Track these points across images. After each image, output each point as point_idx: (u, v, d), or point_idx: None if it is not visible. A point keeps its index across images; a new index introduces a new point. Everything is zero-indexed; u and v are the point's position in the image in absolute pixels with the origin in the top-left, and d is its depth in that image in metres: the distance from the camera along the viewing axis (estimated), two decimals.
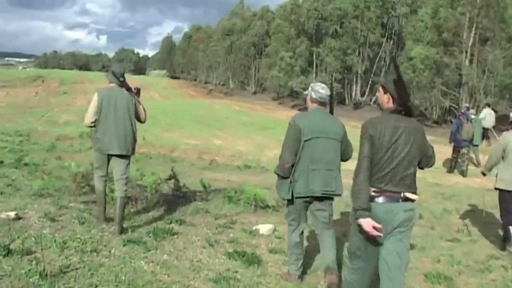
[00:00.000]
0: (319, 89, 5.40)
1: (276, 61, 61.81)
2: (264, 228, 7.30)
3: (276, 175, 5.45)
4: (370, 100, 55.15)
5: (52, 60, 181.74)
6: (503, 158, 7.68)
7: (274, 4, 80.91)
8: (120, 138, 6.74)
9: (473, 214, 10.04)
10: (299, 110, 57.96)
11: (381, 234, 3.86)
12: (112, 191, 7.63)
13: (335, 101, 59.81)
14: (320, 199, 5.23)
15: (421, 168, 4.18)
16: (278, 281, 5.50)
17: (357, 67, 54.25)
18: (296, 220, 5.38)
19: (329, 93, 5.42)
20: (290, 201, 5.36)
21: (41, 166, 11.64)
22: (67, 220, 6.85)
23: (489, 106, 22.41)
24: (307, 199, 5.23)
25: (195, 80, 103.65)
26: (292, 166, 5.21)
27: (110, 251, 5.74)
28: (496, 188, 7.80)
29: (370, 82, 54.64)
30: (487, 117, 20.53)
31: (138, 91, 7.22)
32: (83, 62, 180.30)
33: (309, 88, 5.50)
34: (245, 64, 79.48)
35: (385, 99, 4.11)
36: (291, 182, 5.22)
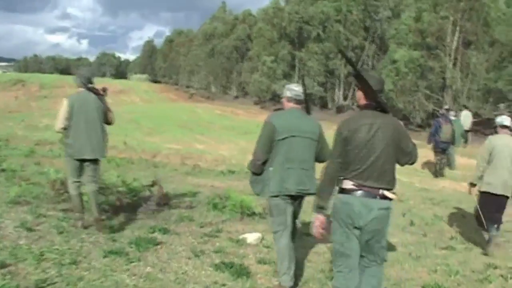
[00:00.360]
0: (293, 87, 5.45)
1: (258, 65, 61.65)
2: (252, 237, 7.02)
3: (250, 172, 5.47)
4: (353, 104, 55.06)
5: (32, 64, 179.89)
6: (488, 162, 7.67)
7: (256, 8, 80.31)
8: (92, 143, 6.84)
9: (465, 220, 9.87)
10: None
11: (321, 236, 4.24)
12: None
13: (316, 104, 59.93)
14: (293, 197, 5.25)
15: (401, 165, 4.23)
16: None
17: (340, 70, 54.07)
18: (282, 223, 5.25)
19: (302, 90, 5.47)
20: (272, 207, 5.29)
21: (19, 172, 11.24)
22: (45, 230, 6.55)
23: (466, 108, 22.47)
24: (284, 199, 5.20)
25: (176, 84, 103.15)
26: (264, 164, 5.26)
27: (90, 263, 5.45)
28: (481, 192, 7.78)
29: (352, 85, 54.62)
30: (464, 118, 20.56)
31: (104, 91, 7.36)
32: (63, 66, 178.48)
33: (284, 88, 5.59)
34: (227, 68, 79.25)
35: (360, 96, 4.22)
36: (265, 180, 5.26)
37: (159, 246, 6.33)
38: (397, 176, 4.20)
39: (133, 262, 5.62)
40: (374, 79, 4.16)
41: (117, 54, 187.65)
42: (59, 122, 6.86)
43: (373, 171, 4.01)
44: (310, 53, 55.21)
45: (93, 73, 7.60)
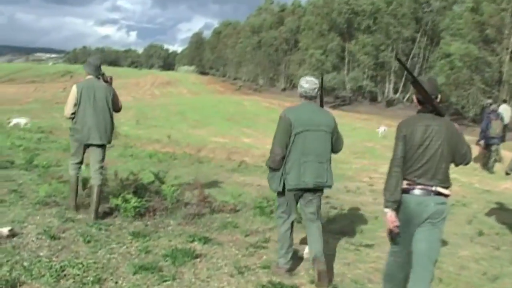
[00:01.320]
0: (303, 84, 5.40)
1: (306, 57, 60.63)
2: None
3: (268, 168, 5.47)
4: (403, 98, 53.49)
5: (81, 56, 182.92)
6: None
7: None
8: (100, 129, 6.98)
9: None
10: (331, 107, 56.84)
11: (397, 230, 4.26)
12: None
13: (366, 97, 58.49)
14: (311, 190, 5.32)
15: (456, 165, 4.43)
16: None
17: (391, 63, 52.58)
18: (286, 212, 5.46)
19: (313, 87, 5.37)
20: (281, 193, 5.40)
21: (53, 168, 10.60)
22: (70, 238, 5.80)
23: (505, 102, 21.70)
24: (299, 192, 5.30)
25: (224, 76, 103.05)
26: (283, 158, 5.28)
27: (117, 282, 4.67)
28: None
29: (403, 79, 53.07)
30: (504, 113, 19.62)
31: (111, 80, 7.41)
32: (112, 58, 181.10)
33: (299, 83, 5.51)
34: (275, 60, 78.53)
35: (417, 100, 4.43)
36: (282, 174, 5.29)
37: (198, 260, 5.51)
38: (456, 175, 3.90)
39: (166, 280, 4.83)
40: (430, 85, 4.38)
41: (165, 46, 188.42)
42: (68, 109, 7.01)
43: (428, 170, 4.21)
44: (360, 45, 53.86)
45: (101, 60, 7.55)
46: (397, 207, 4.25)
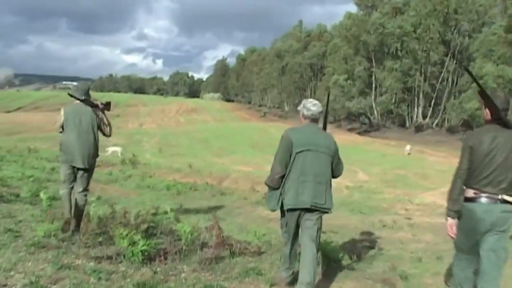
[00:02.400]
0: (310, 106, 5.42)
1: (330, 84, 59.85)
2: None
3: (267, 187, 5.44)
4: (433, 123, 52.18)
5: (108, 83, 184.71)
6: None
7: (330, 25, 78.39)
8: (83, 153, 7.02)
9: None
10: (357, 134, 55.65)
11: (454, 237, 4.50)
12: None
13: (395, 122, 57.23)
14: (309, 211, 5.21)
15: None
16: None
17: (420, 88, 51.46)
18: (288, 232, 5.40)
19: (320, 110, 5.44)
20: (282, 214, 5.34)
21: (60, 201, 9.72)
22: None
23: None
24: (297, 211, 5.21)
25: (249, 103, 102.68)
26: (282, 177, 5.26)
27: None
28: None
29: (432, 103, 51.89)
30: None
31: (108, 105, 7.47)
32: (138, 85, 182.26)
33: (301, 105, 5.51)
34: (300, 86, 77.90)
35: (486, 112, 4.41)
36: (281, 194, 5.25)
37: None
38: None
39: None
40: (500, 99, 4.42)
41: (191, 73, 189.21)
42: (57, 124, 7.14)
43: (494, 179, 4.27)
44: (388, 69, 52.84)
45: (88, 86, 7.60)
46: (463, 215, 4.44)
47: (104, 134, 7.30)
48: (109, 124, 7.36)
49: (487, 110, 4.43)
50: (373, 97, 56.63)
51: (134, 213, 7.54)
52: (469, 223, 4.39)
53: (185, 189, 13.36)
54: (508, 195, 4.28)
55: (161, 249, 6.30)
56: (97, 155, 7.32)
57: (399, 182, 20.25)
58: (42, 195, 8.19)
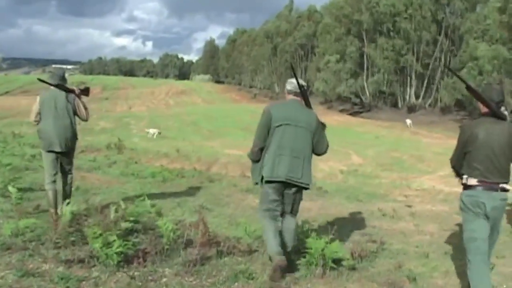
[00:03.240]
0: (293, 80, 5.53)
1: (321, 65, 59.07)
2: None
3: (251, 160, 5.63)
4: (425, 103, 51.60)
5: (97, 67, 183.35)
6: None
7: (321, 4, 77.30)
8: (60, 137, 7.22)
9: None
10: (349, 114, 55.04)
11: None
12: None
13: (386, 103, 56.68)
14: (287, 185, 5.34)
15: None
16: None
17: (412, 67, 50.78)
18: (269, 208, 5.42)
19: (303, 83, 5.54)
20: (262, 187, 5.45)
21: (34, 193, 9.04)
22: None
23: None
24: (274, 184, 5.32)
25: (239, 84, 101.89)
26: (261, 150, 5.42)
27: None
28: None
29: (425, 83, 51.30)
30: None
31: (86, 91, 7.72)
32: (127, 68, 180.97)
33: (286, 82, 5.62)
34: (291, 67, 77.16)
35: (481, 105, 4.76)
36: (261, 166, 5.39)
37: None
38: None
39: None
40: (495, 92, 4.80)
41: (181, 55, 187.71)
42: (32, 115, 7.39)
43: (492, 168, 4.64)
44: (379, 49, 52.09)
45: (63, 72, 7.76)
46: (468, 203, 4.78)
47: (80, 119, 7.52)
48: (85, 108, 7.51)
49: (481, 104, 4.75)
50: (364, 77, 55.91)
51: (112, 207, 6.85)
52: (475, 208, 4.72)
53: (171, 176, 12.64)
54: (504, 183, 4.72)
55: (140, 250, 5.61)
56: (76, 139, 7.55)
57: (395, 165, 19.60)
58: (10, 188, 7.41)
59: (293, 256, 5.64)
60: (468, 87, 4.77)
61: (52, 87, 7.31)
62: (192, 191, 10.67)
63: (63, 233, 5.96)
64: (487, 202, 4.64)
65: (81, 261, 5.29)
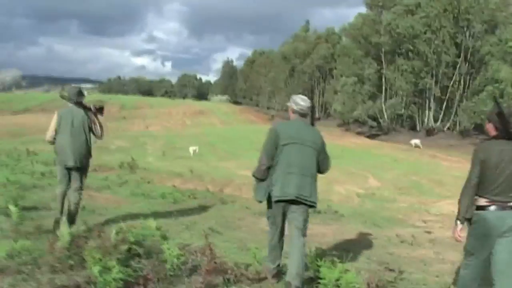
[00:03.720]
0: (299, 101, 5.59)
1: (338, 87, 58.82)
2: None
3: (254, 178, 5.61)
4: (444, 127, 50.99)
5: (116, 86, 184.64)
6: None
7: (339, 27, 77.03)
8: (75, 152, 7.46)
9: None
10: (367, 137, 54.51)
11: (461, 240, 4.90)
12: None
13: (404, 126, 56.06)
14: (295, 203, 5.32)
15: None
16: None
17: (432, 90, 50.27)
18: (275, 224, 5.53)
19: (309, 105, 5.59)
20: (269, 205, 5.52)
21: (40, 212, 8.77)
22: None
23: None
24: (283, 203, 5.34)
25: (257, 105, 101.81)
26: (268, 169, 5.44)
27: None
28: None
29: (444, 106, 50.78)
30: None
31: (101, 109, 7.89)
32: (146, 88, 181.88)
33: (291, 100, 5.67)
34: (309, 88, 76.95)
35: (491, 128, 4.86)
36: (268, 186, 5.40)
37: None
38: None
39: None
40: (506, 113, 4.76)
41: (199, 76, 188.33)
42: (48, 133, 7.61)
43: (503, 189, 4.66)
44: (398, 71, 51.67)
45: (80, 90, 7.92)
46: (476, 222, 4.76)
47: (95, 136, 7.79)
48: (101, 126, 7.80)
49: (491, 126, 4.86)
50: (383, 99, 55.46)
51: (116, 229, 6.50)
52: (482, 230, 4.73)
53: (182, 197, 12.31)
54: None
55: (141, 276, 5.24)
56: (90, 156, 7.80)
57: (413, 189, 19.12)
58: (11, 207, 7.12)
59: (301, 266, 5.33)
60: (500, 113, 4.74)
61: (70, 104, 7.67)
62: (203, 213, 10.32)
63: (61, 256, 5.63)
64: (496, 223, 4.67)
65: (77, 287, 4.95)
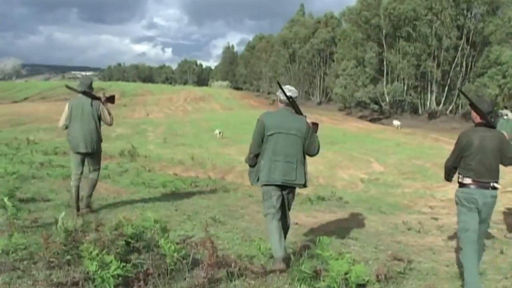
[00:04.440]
0: (286, 91, 5.99)
1: (339, 71, 58.38)
2: None
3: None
4: (446, 110, 50.63)
5: (116, 73, 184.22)
6: None
7: (338, 12, 76.09)
8: (86, 139, 8.11)
9: None
10: (369, 121, 54.18)
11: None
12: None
13: (406, 110, 55.81)
14: (283, 188, 5.91)
15: (505, 166, 5.74)
16: None
17: (433, 73, 49.82)
18: (273, 207, 5.88)
19: (295, 95, 6.06)
20: (263, 188, 5.97)
21: (38, 203, 8.57)
22: None
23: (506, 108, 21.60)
24: (272, 186, 5.87)
25: (258, 90, 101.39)
26: (257, 156, 6.03)
27: None
28: None
29: (446, 89, 50.35)
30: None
31: (111, 98, 8.57)
32: (146, 75, 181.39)
33: (278, 91, 6.15)
34: (309, 73, 76.56)
35: (474, 116, 5.79)
36: (258, 171, 5.99)
37: None
38: None
39: None
40: (485, 104, 5.82)
41: (200, 62, 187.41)
42: (61, 121, 8.36)
43: (485, 169, 5.55)
44: (400, 54, 51.20)
45: (91, 81, 8.49)
46: (464, 199, 5.65)
47: (105, 123, 8.43)
48: (109, 114, 8.38)
49: (475, 114, 5.75)
50: (384, 83, 55.08)
51: (114, 221, 6.27)
52: (468, 203, 5.63)
53: (184, 185, 12.07)
54: (495, 182, 5.61)
55: (141, 272, 5.02)
56: (100, 141, 8.47)
57: (418, 174, 18.83)
58: (6, 200, 6.86)
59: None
60: (471, 104, 5.68)
61: (80, 95, 8.26)
62: (205, 202, 10.09)
63: (58, 251, 5.41)
64: (479, 199, 5.55)
65: (75, 283, 4.73)
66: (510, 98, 31.29)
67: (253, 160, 6.07)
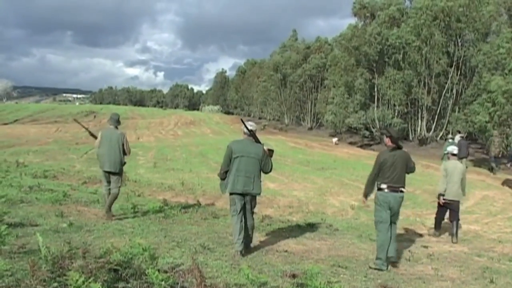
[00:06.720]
0: (247, 127, 8.32)
1: (329, 98, 58.61)
2: None
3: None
4: (437, 136, 50.80)
5: (107, 96, 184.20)
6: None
7: (331, 38, 76.12)
8: (110, 161, 10.59)
9: None
10: (359, 147, 54.25)
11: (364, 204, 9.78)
12: None
13: (401, 137, 56.08)
14: (244, 195, 8.16)
15: (407, 173, 8.37)
16: None
17: (424, 100, 50.02)
18: (236, 210, 8.16)
19: (255, 128, 8.46)
20: (230, 196, 8.27)
21: (26, 228, 8.45)
22: None
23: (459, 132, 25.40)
24: (236, 195, 8.14)
25: (249, 115, 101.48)
26: (226, 172, 8.25)
27: None
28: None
29: (436, 116, 50.58)
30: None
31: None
32: (137, 98, 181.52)
33: (243, 126, 8.38)
34: (300, 98, 76.76)
35: (387, 141, 8.38)
36: (226, 183, 8.23)
37: None
38: None
39: None
40: (395, 132, 8.74)
41: (191, 86, 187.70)
42: (95, 145, 10.90)
43: (396, 178, 8.09)
44: (390, 80, 51.45)
45: (118, 116, 11.18)
46: (381, 200, 8.20)
47: (124, 152, 10.79)
48: (128, 147, 10.90)
49: (387, 139, 8.36)
50: (375, 109, 55.26)
51: (103, 248, 6.21)
52: (384, 203, 8.10)
53: (173, 211, 11.98)
54: (403, 187, 8.20)
55: None
56: (123, 163, 10.85)
57: (408, 201, 18.73)
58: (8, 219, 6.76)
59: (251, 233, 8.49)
60: (387, 131, 8.61)
61: (110, 126, 10.92)
62: (194, 228, 10.02)
63: (45, 278, 5.33)
64: (392, 199, 8.10)
65: None
66: (500, 125, 31.33)
67: (224, 175, 8.26)
